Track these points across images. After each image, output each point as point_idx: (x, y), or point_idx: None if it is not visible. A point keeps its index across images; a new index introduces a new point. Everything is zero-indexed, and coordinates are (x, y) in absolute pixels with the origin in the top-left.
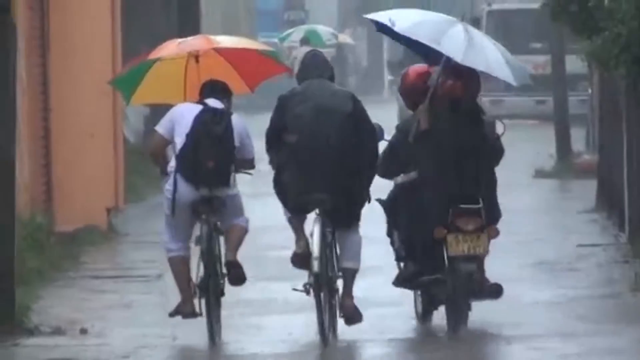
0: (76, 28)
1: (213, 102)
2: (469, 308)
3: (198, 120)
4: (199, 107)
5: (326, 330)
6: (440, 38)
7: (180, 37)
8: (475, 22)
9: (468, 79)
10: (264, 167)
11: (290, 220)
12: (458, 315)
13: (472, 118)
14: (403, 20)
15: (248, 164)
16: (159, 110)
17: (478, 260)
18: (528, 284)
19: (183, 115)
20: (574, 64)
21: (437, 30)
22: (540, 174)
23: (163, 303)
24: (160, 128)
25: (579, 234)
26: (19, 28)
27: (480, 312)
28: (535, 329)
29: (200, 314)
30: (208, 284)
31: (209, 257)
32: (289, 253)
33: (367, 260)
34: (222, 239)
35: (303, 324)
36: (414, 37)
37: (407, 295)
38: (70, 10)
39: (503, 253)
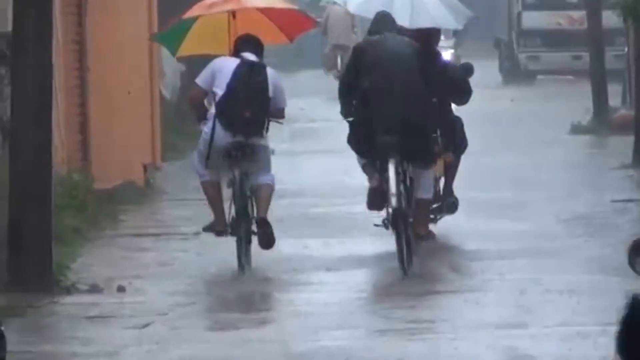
0: None
1: (248, 55)
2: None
3: (237, 72)
4: (237, 60)
5: (405, 260)
6: (388, 10)
7: None
8: None
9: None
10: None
11: (364, 167)
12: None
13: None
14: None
15: (280, 113)
16: (195, 67)
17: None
18: (563, 238)
19: (222, 68)
20: (610, 18)
21: (384, 3)
22: (576, 129)
23: (201, 260)
24: (200, 80)
25: (615, 189)
26: None
27: (518, 266)
28: (570, 282)
29: (231, 233)
30: (240, 225)
31: (241, 199)
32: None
33: None
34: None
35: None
36: (364, 14)
37: None
38: None
39: (538, 208)
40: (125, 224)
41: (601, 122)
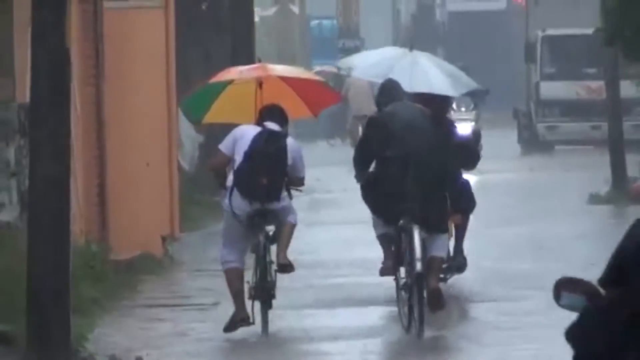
0: (131, 56)
1: (271, 125)
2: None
3: (255, 140)
4: (258, 129)
5: (417, 324)
6: (389, 74)
7: (234, 64)
8: (530, 48)
9: (433, 102)
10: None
11: (380, 238)
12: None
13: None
14: (361, 64)
15: (299, 182)
16: (213, 138)
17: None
18: None
19: (243, 135)
20: (629, 89)
21: (385, 68)
22: (594, 199)
23: (219, 332)
24: (223, 147)
25: None
26: (73, 56)
27: (534, 337)
28: None
29: (253, 322)
30: (262, 288)
31: (263, 263)
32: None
33: None
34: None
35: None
36: (368, 78)
37: None
38: (125, 39)
39: (556, 279)
40: (143, 295)
41: (620, 192)
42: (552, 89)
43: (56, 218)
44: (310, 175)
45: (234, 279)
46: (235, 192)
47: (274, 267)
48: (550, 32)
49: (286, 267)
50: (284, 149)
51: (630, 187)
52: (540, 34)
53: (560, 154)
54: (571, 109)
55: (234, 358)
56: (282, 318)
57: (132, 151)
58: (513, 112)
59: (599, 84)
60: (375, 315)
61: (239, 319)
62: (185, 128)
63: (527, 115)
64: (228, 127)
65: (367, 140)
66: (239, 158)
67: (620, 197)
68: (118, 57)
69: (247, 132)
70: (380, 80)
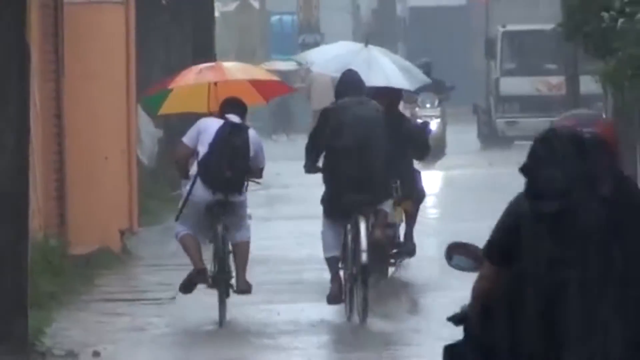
0: (91, 52)
1: (232, 117)
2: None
3: (220, 132)
4: (221, 121)
5: (361, 310)
6: (346, 69)
7: (195, 61)
8: (490, 44)
9: (386, 95)
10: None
11: (329, 260)
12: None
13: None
14: (319, 58)
15: (259, 173)
16: (172, 133)
17: (394, 227)
18: None
19: (207, 128)
20: (588, 84)
21: (343, 62)
22: None
23: (176, 326)
24: (187, 139)
25: None
26: (32, 52)
27: None
28: None
29: (210, 283)
30: (221, 279)
31: (222, 252)
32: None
33: None
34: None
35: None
36: (327, 72)
37: None
38: (85, 35)
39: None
40: (101, 289)
41: None
42: (511, 85)
43: (14, 213)
44: (269, 170)
45: (189, 241)
46: (199, 182)
47: (231, 256)
48: (511, 27)
49: (246, 290)
50: (246, 141)
51: None
52: (500, 29)
53: (519, 149)
54: (531, 104)
55: (192, 352)
56: (240, 312)
57: (91, 146)
58: (473, 107)
59: (559, 80)
60: (331, 309)
61: (195, 273)
62: (145, 123)
63: (486, 111)
64: (186, 122)
65: (317, 131)
66: (203, 149)
67: None
68: (78, 53)
69: (211, 124)
70: (335, 74)
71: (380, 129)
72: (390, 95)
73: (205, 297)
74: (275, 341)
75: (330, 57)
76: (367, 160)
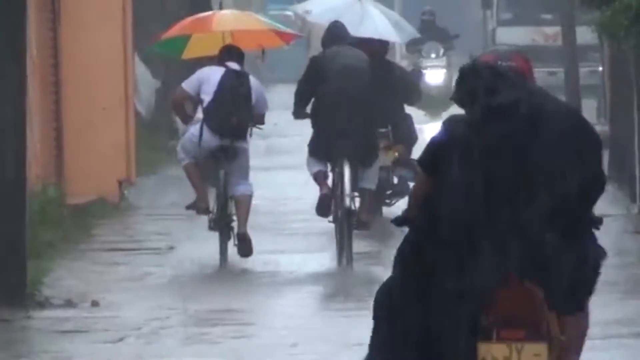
0: (87, 2)
1: (232, 65)
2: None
3: (224, 81)
4: (222, 69)
5: (345, 255)
6: (340, 19)
7: (193, 11)
8: None
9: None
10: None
11: (315, 175)
12: None
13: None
14: (315, 9)
15: (261, 119)
16: (170, 84)
17: (387, 169)
18: None
19: (209, 76)
20: (585, 35)
21: (338, 14)
22: None
23: (175, 275)
24: (186, 85)
25: None
26: (29, 2)
27: None
28: None
29: (212, 212)
30: (221, 221)
31: (224, 199)
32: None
33: None
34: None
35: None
36: (322, 22)
37: None
38: None
39: None
40: (99, 239)
41: None
42: (508, 35)
43: (12, 163)
44: (267, 120)
45: (192, 170)
46: (206, 128)
47: (233, 233)
48: None
49: (245, 240)
50: (249, 88)
51: None
52: None
53: None
54: (527, 54)
55: (192, 302)
56: (240, 262)
57: (89, 96)
58: (469, 58)
59: (555, 30)
60: (330, 257)
61: (199, 208)
62: (142, 73)
63: None
64: (184, 73)
65: (306, 77)
66: (207, 97)
67: None
68: (74, 3)
69: (213, 72)
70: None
71: (367, 77)
72: (372, 46)
73: (204, 246)
74: (273, 290)
75: (326, 9)
76: (353, 107)
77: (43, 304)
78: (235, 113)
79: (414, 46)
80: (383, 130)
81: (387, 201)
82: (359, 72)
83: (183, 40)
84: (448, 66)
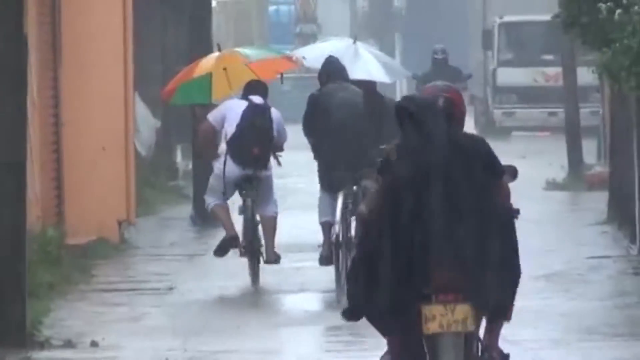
0: (88, 42)
1: (256, 99)
2: None
3: (246, 114)
4: (245, 103)
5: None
6: None
7: (192, 51)
8: (487, 34)
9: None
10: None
11: (323, 225)
12: None
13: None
14: (311, 55)
15: (281, 147)
16: (169, 123)
17: None
18: (538, 295)
19: (232, 109)
20: (585, 75)
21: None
22: (551, 185)
23: (174, 315)
24: (211, 117)
25: (590, 245)
26: (30, 42)
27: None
28: (544, 339)
29: (244, 255)
30: (252, 246)
31: (251, 224)
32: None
33: None
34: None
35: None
36: (316, 66)
37: None
38: (82, 24)
39: None
40: (99, 279)
41: (576, 179)
42: (509, 75)
43: (13, 203)
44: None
45: (219, 211)
46: (229, 159)
47: (262, 251)
48: (508, 18)
49: (276, 260)
50: (270, 120)
51: (587, 173)
52: (497, 20)
53: (516, 140)
54: (528, 95)
55: (190, 343)
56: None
57: (89, 136)
58: (469, 97)
59: (556, 71)
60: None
61: (229, 238)
62: (142, 113)
63: (483, 101)
64: (184, 113)
65: (307, 115)
66: (230, 129)
67: (577, 183)
68: (75, 43)
69: (236, 106)
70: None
71: (361, 111)
72: (365, 84)
73: (203, 286)
74: (275, 328)
75: (320, 54)
76: (350, 140)
77: (43, 345)
78: (257, 144)
79: (424, 86)
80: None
81: None
82: (354, 107)
83: (205, 81)
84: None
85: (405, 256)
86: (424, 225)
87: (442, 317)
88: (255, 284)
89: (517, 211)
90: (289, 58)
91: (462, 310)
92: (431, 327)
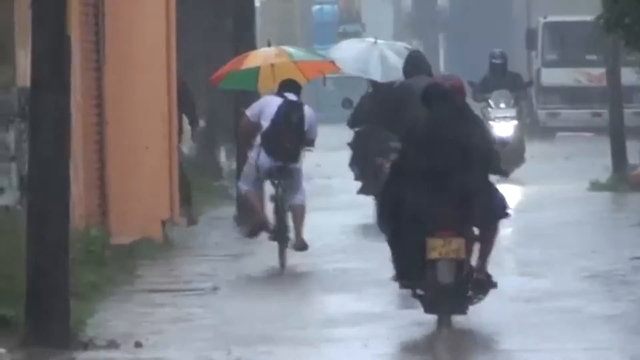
0: (131, 43)
1: (290, 96)
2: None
3: (280, 109)
4: (280, 99)
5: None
6: (367, 69)
7: (236, 52)
8: (531, 34)
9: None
10: None
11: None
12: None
13: None
14: (343, 59)
15: (312, 143)
16: (213, 124)
17: None
18: (583, 296)
19: (269, 104)
20: (629, 76)
21: (363, 62)
22: (595, 186)
23: (219, 316)
24: (249, 112)
25: (634, 246)
26: (73, 41)
27: (537, 324)
28: (591, 341)
29: (274, 239)
30: (282, 232)
31: (281, 211)
32: None
33: None
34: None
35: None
36: (354, 73)
37: None
38: (126, 25)
39: (557, 265)
40: (143, 280)
41: (620, 179)
42: (553, 76)
43: (56, 202)
44: (309, 161)
45: (251, 196)
46: (262, 151)
47: (290, 235)
48: (552, 18)
49: (303, 247)
50: (302, 117)
51: (631, 174)
52: (541, 20)
53: (561, 141)
54: (572, 95)
55: (234, 343)
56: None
57: (132, 135)
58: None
59: (599, 71)
60: (372, 299)
61: (258, 222)
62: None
63: (528, 102)
64: (226, 115)
65: (384, 102)
66: (266, 123)
67: (621, 184)
68: (119, 43)
69: (272, 102)
70: (362, 75)
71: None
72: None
73: (249, 286)
74: (314, 332)
75: (350, 59)
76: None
77: (86, 345)
78: (289, 138)
79: (481, 94)
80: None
81: None
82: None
83: (253, 73)
84: (520, 117)
85: (418, 202)
86: (433, 179)
87: (441, 248)
88: (282, 268)
89: (508, 214)
90: (332, 62)
91: (457, 242)
92: (433, 254)
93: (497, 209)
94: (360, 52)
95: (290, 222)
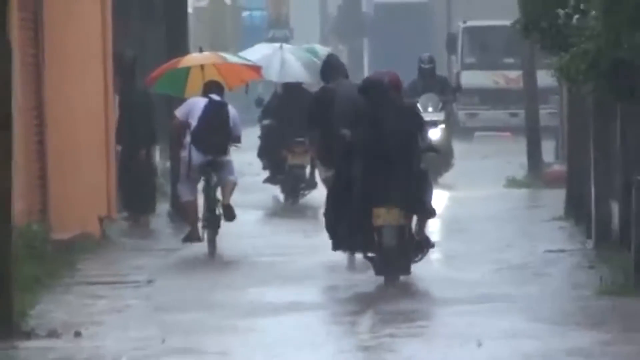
0: (69, 47)
1: (214, 96)
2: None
3: (206, 108)
4: (206, 100)
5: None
6: (268, 69)
7: (169, 58)
8: (452, 38)
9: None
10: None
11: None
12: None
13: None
14: (252, 57)
15: (237, 139)
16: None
17: (302, 167)
18: (496, 287)
19: (195, 104)
20: (545, 78)
21: (268, 60)
22: (511, 183)
23: (154, 307)
24: (179, 113)
25: (548, 240)
26: (13, 45)
27: (447, 312)
28: (500, 329)
29: (202, 240)
30: (211, 219)
31: (212, 201)
32: None
33: None
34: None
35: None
36: (268, 78)
37: None
38: (63, 28)
39: (474, 258)
40: (82, 273)
41: (535, 177)
42: (472, 78)
43: None
44: (241, 159)
45: (189, 207)
46: (193, 148)
47: (220, 209)
48: (471, 23)
49: (229, 208)
50: (227, 114)
51: (545, 172)
52: (461, 25)
53: (479, 141)
54: (490, 97)
55: (168, 334)
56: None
57: (71, 135)
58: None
59: (517, 74)
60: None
61: (194, 237)
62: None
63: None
64: (160, 117)
65: (315, 105)
66: (194, 122)
67: (536, 181)
68: (56, 47)
69: (198, 102)
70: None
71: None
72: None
73: (181, 279)
74: (248, 321)
75: (259, 57)
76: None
77: (29, 335)
78: (216, 134)
79: (409, 98)
80: (300, 139)
81: (302, 192)
82: (355, 100)
83: (182, 75)
84: (447, 121)
85: (365, 182)
86: (376, 161)
87: (385, 215)
88: (211, 256)
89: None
90: (257, 69)
91: (396, 212)
92: (378, 221)
93: (426, 203)
94: (264, 55)
95: (219, 196)
